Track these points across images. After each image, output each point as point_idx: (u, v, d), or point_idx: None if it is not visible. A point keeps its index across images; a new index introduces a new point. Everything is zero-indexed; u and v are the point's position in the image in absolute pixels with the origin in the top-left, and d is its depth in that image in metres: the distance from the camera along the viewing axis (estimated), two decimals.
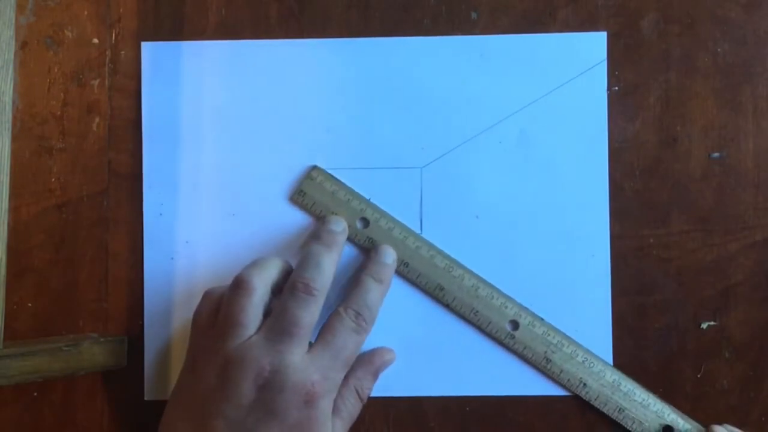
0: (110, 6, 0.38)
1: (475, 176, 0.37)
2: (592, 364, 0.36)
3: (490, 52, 0.38)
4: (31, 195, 0.38)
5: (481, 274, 0.37)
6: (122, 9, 0.38)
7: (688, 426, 0.36)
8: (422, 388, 0.37)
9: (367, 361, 0.36)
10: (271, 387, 0.31)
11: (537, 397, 0.37)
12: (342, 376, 0.33)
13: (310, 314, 0.32)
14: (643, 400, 0.36)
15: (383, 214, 0.37)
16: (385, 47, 0.38)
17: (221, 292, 0.34)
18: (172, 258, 0.38)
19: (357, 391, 0.35)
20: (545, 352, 0.36)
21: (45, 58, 0.38)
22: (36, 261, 0.38)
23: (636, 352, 0.37)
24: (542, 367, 0.37)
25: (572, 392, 0.37)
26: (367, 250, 0.37)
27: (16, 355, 0.33)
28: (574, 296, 0.37)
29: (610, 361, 0.37)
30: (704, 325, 0.37)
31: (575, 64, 0.37)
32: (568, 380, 0.36)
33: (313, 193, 0.37)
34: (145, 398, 0.37)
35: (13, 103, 0.36)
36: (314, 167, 0.38)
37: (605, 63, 0.37)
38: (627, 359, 0.37)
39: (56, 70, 0.38)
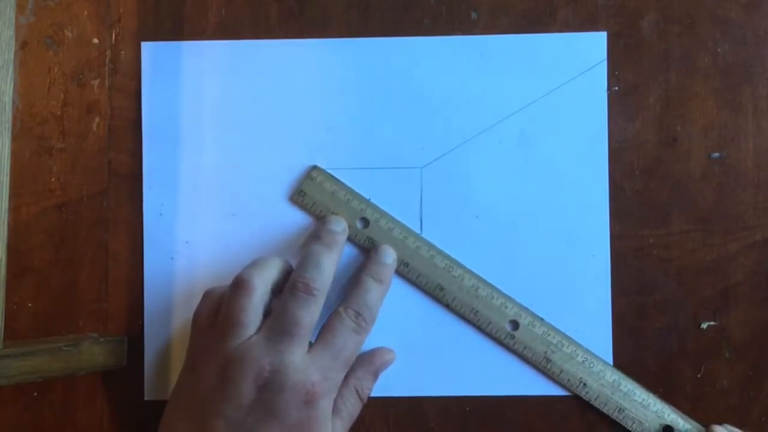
0: (110, 6, 0.38)
1: (475, 176, 0.37)
2: (592, 364, 0.36)
3: (490, 52, 0.38)
4: (31, 195, 0.38)
5: (481, 274, 0.37)
6: (122, 9, 0.38)
7: (688, 426, 0.36)
8: (422, 388, 0.37)
9: (367, 361, 0.36)
10: (271, 387, 0.31)
11: (537, 397, 0.37)
12: (342, 376, 0.33)
13: (310, 314, 0.32)
14: (643, 400, 0.36)
15: (383, 214, 0.37)
16: (385, 47, 0.38)
17: (221, 292, 0.34)
18: (172, 258, 0.38)
19: (357, 391, 0.35)
20: (545, 352, 0.36)
21: (45, 58, 0.38)
22: (36, 261, 0.38)
23: (636, 352, 0.37)
24: (542, 367, 0.37)
25: (572, 392, 0.37)
26: (367, 250, 0.37)
27: (16, 355, 0.33)
28: (574, 296, 0.37)
29: (610, 361, 0.37)
30: (704, 325, 0.37)
31: (575, 64, 0.37)
32: (568, 380, 0.36)
33: (313, 193, 0.37)
34: (145, 398, 0.37)
35: (13, 103, 0.36)
36: (314, 167, 0.38)
37: (605, 63, 0.37)
38: (627, 359, 0.37)
39: (56, 70, 0.38)
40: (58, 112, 0.38)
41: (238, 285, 0.33)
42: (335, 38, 0.38)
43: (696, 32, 0.38)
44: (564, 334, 0.37)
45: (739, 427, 0.36)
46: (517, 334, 0.37)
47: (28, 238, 0.38)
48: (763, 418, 0.37)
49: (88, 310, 0.38)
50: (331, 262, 0.34)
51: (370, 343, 0.36)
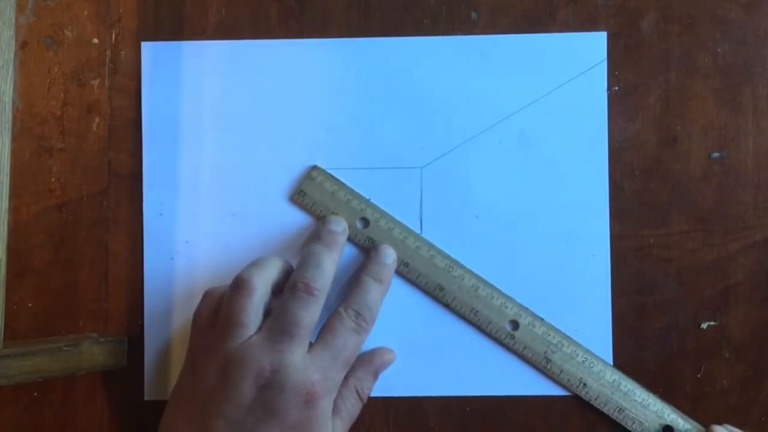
0: (110, 6, 0.38)
1: (475, 176, 0.37)
2: (592, 364, 0.36)
3: (490, 52, 0.38)
4: (31, 195, 0.38)
5: (481, 274, 0.37)
6: (122, 9, 0.38)
7: (688, 426, 0.36)
8: (422, 388, 0.37)
9: (367, 361, 0.36)
10: (271, 387, 0.31)
11: (537, 397, 0.37)
12: (342, 376, 0.33)
13: (310, 314, 0.32)
14: (643, 400, 0.36)
15: (383, 214, 0.37)
16: (385, 47, 0.38)
17: (221, 291, 0.34)
18: (172, 258, 0.38)
19: (357, 391, 0.35)
20: (545, 352, 0.36)
21: (45, 58, 0.38)
22: (36, 261, 0.38)
23: (636, 352, 0.37)
24: (542, 367, 0.37)
25: (572, 392, 0.37)
26: (367, 250, 0.37)
27: (16, 355, 0.33)
28: (574, 296, 0.37)
29: (610, 361, 0.37)
30: (704, 325, 0.37)
31: (575, 64, 0.37)
32: (568, 380, 0.36)
33: (313, 193, 0.37)
34: (145, 398, 0.37)
35: (13, 103, 0.36)
36: (314, 167, 0.38)
37: (605, 63, 0.37)
38: (627, 359, 0.37)
39: (56, 70, 0.38)
40: (58, 112, 0.38)
41: (239, 285, 0.33)
42: (335, 38, 0.38)
43: (696, 32, 0.38)
44: (564, 334, 0.37)
45: (739, 427, 0.36)
46: (517, 334, 0.37)
47: (28, 238, 0.38)
48: (763, 418, 0.37)
49: (88, 310, 0.38)
50: (331, 262, 0.34)
51: (370, 343, 0.36)
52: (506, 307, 0.37)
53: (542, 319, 0.37)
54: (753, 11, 0.37)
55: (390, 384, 0.37)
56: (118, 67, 0.38)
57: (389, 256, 0.36)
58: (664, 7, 0.38)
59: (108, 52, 0.38)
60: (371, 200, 0.37)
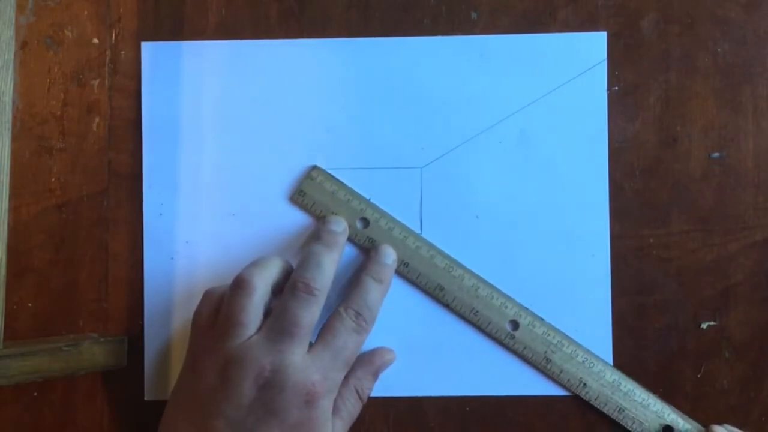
0: (110, 6, 0.38)
1: (475, 176, 0.37)
2: (592, 364, 0.36)
3: (490, 52, 0.38)
4: (31, 195, 0.38)
5: (481, 274, 0.37)
6: (122, 9, 0.38)
7: (688, 426, 0.36)
8: (422, 388, 0.37)
9: (367, 361, 0.36)
10: (271, 387, 0.31)
11: (537, 397, 0.37)
12: (342, 376, 0.33)
13: (310, 314, 0.32)
14: (643, 400, 0.36)
15: (383, 214, 0.37)
16: (385, 47, 0.38)
17: (221, 291, 0.34)
18: (172, 258, 0.38)
19: (357, 391, 0.35)
20: (545, 352, 0.36)
21: (45, 58, 0.38)
22: (36, 261, 0.38)
23: (636, 352, 0.37)
24: (542, 367, 0.37)
25: (572, 392, 0.37)
26: (367, 250, 0.37)
27: (16, 355, 0.33)
28: (574, 296, 0.37)
29: (610, 361, 0.37)
30: (704, 325, 0.37)
31: (575, 64, 0.37)
32: (568, 380, 0.36)
33: (313, 193, 0.37)
34: (145, 398, 0.37)
35: (13, 103, 0.36)
36: (314, 167, 0.38)
37: (605, 63, 0.37)
38: (627, 359, 0.37)
39: (56, 70, 0.38)
40: (58, 112, 0.38)
41: (239, 285, 0.33)
42: (335, 38, 0.38)
43: (696, 32, 0.38)
44: (564, 334, 0.37)
45: (739, 427, 0.36)
46: (517, 334, 0.37)
47: (28, 238, 0.38)
48: (763, 418, 0.37)
49: (88, 310, 0.38)
50: (331, 262, 0.34)
51: (370, 343, 0.36)
52: (506, 307, 0.37)
53: (542, 319, 0.37)
54: (753, 11, 0.37)
55: (390, 384, 0.37)
56: (118, 67, 0.38)
57: (389, 256, 0.36)
58: (664, 7, 0.38)
59: (108, 52, 0.38)
60: (371, 200, 0.37)
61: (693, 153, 0.37)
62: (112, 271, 0.38)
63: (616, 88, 0.38)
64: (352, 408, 0.35)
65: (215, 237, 0.38)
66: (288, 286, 0.33)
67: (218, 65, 0.38)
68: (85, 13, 0.38)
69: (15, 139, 0.37)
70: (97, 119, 0.38)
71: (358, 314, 0.34)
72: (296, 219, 0.38)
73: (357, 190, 0.37)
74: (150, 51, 0.38)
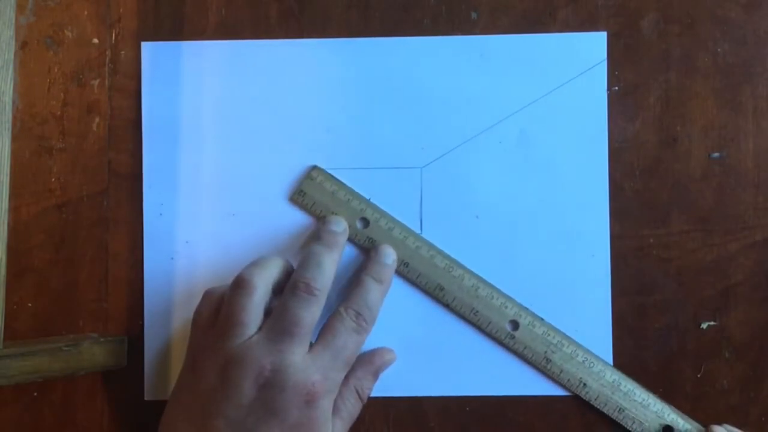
0: (110, 6, 0.38)
1: (475, 176, 0.37)
2: (592, 364, 0.36)
3: (490, 52, 0.38)
4: (31, 195, 0.38)
5: (481, 274, 0.37)
6: (122, 9, 0.38)
7: (688, 426, 0.36)
8: (422, 388, 0.37)
9: (368, 361, 0.36)
10: (271, 386, 0.31)
11: (537, 397, 0.37)
12: (342, 376, 0.33)
13: (311, 314, 0.32)
14: (643, 400, 0.36)
15: (383, 214, 0.37)
16: (385, 47, 0.38)
17: (222, 291, 0.34)
18: (172, 258, 0.38)
19: (357, 391, 0.35)
20: (545, 352, 0.36)
21: (45, 58, 0.38)
22: (36, 261, 0.38)
23: (636, 352, 0.37)
24: (542, 367, 0.37)
25: (572, 392, 0.37)
26: (367, 250, 0.37)
27: (16, 355, 0.33)
28: (574, 296, 0.37)
29: (610, 361, 0.37)
30: (704, 325, 0.37)
31: (575, 64, 0.37)
32: (568, 380, 0.36)
33: (313, 193, 0.37)
34: (145, 398, 0.37)
35: (13, 103, 0.36)
36: (314, 167, 0.38)
37: (605, 63, 0.37)
38: (627, 359, 0.37)
39: (56, 70, 0.38)
40: (58, 112, 0.38)
41: (239, 284, 0.33)
42: (335, 38, 0.38)
43: (696, 32, 0.38)
44: (564, 334, 0.37)
45: (739, 427, 0.36)
46: (517, 334, 0.37)
47: (28, 238, 0.37)
48: (763, 418, 0.37)
49: (88, 310, 0.38)
50: (331, 262, 0.34)
51: (370, 343, 0.36)
52: (506, 307, 0.37)
53: (542, 319, 0.37)
54: (753, 11, 0.37)
55: (390, 384, 0.37)
56: (118, 67, 0.38)
57: (389, 256, 0.36)
58: (664, 7, 0.38)
59: (108, 52, 0.38)
60: (371, 200, 0.37)
61: (693, 153, 0.37)
62: (112, 271, 0.38)
63: (616, 88, 0.38)
64: (352, 408, 0.35)
65: (215, 237, 0.38)
66: (288, 286, 0.33)
67: (218, 65, 0.38)
68: (85, 13, 0.38)
69: (15, 139, 0.37)
70: (97, 119, 0.38)
71: (358, 314, 0.34)
72: (296, 219, 0.38)
73: (357, 190, 0.37)
74: (150, 51, 0.38)
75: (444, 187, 0.37)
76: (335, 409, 0.33)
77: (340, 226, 0.36)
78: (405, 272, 0.37)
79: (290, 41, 0.38)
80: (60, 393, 0.37)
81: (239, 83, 0.38)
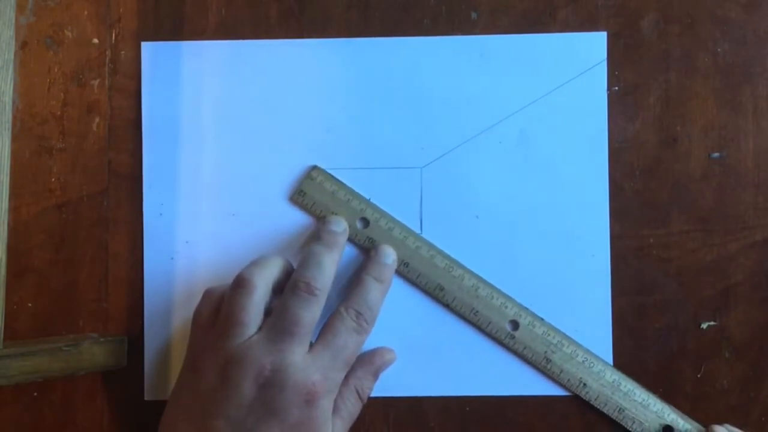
0: (110, 6, 0.38)
1: (475, 176, 0.37)
2: (592, 364, 0.36)
3: (490, 52, 0.38)
4: (31, 195, 0.38)
5: (481, 274, 0.37)
6: (122, 9, 0.38)
7: (688, 426, 0.36)
8: (422, 388, 0.37)
9: (368, 361, 0.36)
10: (271, 386, 0.31)
11: (537, 397, 0.37)
12: (342, 375, 0.33)
13: (311, 313, 0.32)
14: (643, 400, 0.36)
15: (383, 214, 0.37)
16: (385, 47, 0.38)
17: (222, 291, 0.34)
18: (172, 258, 0.38)
19: (357, 391, 0.35)
20: (545, 352, 0.36)
21: (45, 58, 0.38)
22: (36, 261, 0.38)
23: (636, 352, 0.37)
24: (542, 367, 0.37)
25: (572, 392, 0.37)
26: (367, 250, 0.37)
27: (16, 355, 0.33)
28: (574, 296, 0.37)
29: (610, 361, 0.37)
30: (704, 325, 0.37)
31: (575, 64, 0.37)
32: (568, 380, 0.36)
33: (313, 193, 0.37)
34: (145, 398, 0.37)
35: (13, 103, 0.36)
36: (314, 167, 0.38)
37: (605, 63, 0.37)
38: (627, 359, 0.37)
39: (56, 70, 0.38)
40: (58, 112, 0.38)
41: (239, 284, 0.33)
42: (335, 38, 0.38)
43: (696, 32, 0.38)
44: (564, 334, 0.37)
45: (739, 427, 0.36)
46: (517, 334, 0.37)
47: (28, 238, 0.37)
48: (763, 418, 0.37)
49: (88, 310, 0.38)
50: (332, 262, 0.34)
51: (370, 343, 0.36)
52: (506, 307, 0.37)
53: (542, 319, 0.37)
54: (753, 11, 0.37)
55: (390, 384, 0.37)
56: (118, 67, 0.38)
57: (389, 256, 0.36)
58: (664, 7, 0.38)
59: (108, 52, 0.38)
60: (371, 200, 0.37)
61: (693, 153, 0.37)
62: (112, 271, 0.38)
63: (616, 88, 0.38)
64: (352, 408, 0.35)
65: (215, 237, 0.38)
66: (289, 286, 0.33)
67: (218, 65, 0.38)
68: (85, 13, 0.38)
69: (15, 139, 0.37)
70: (97, 119, 0.38)
71: (358, 314, 0.34)
72: (296, 219, 0.38)
73: (357, 190, 0.37)
74: (150, 51, 0.38)
75: (444, 187, 0.37)
76: (335, 409, 0.33)
77: (340, 226, 0.36)
78: (405, 272, 0.37)
79: (290, 41, 0.38)
80: (60, 393, 0.37)
81: (239, 83, 0.38)
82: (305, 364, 0.32)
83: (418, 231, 0.37)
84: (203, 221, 0.38)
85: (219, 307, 0.33)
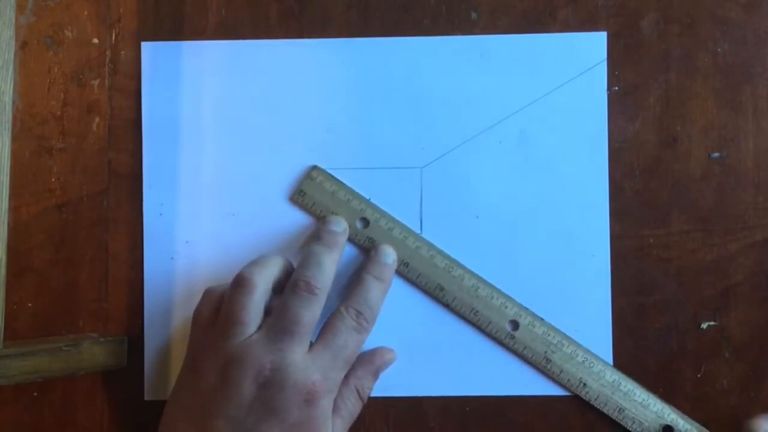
0: (110, 6, 0.38)
1: (475, 176, 0.37)
2: (592, 364, 0.36)
3: (490, 52, 0.38)
4: (31, 195, 0.38)
5: (481, 274, 0.37)
6: (122, 9, 0.38)
7: (688, 426, 0.36)
8: (422, 388, 0.37)
9: (368, 361, 0.36)
10: (271, 385, 0.31)
11: (537, 397, 0.37)
12: (342, 375, 0.33)
13: (311, 313, 0.32)
14: (643, 400, 0.36)
15: (383, 214, 0.37)
16: (385, 47, 0.38)
17: (222, 290, 0.34)
18: (172, 258, 0.38)
19: (357, 391, 0.35)
20: (545, 352, 0.36)
21: (45, 58, 0.38)
22: (36, 261, 0.38)
23: (636, 352, 0.37)
24: (542, 367, 0.37)
25: (572, 392, 0.37)
26: (367, 250, 0.37)
27: (16, 355, 0.33)
28: (574, 296, 0.37)
29: (610, 361, 0.37)
30: (704, 325, 0.37)
31: (575, 64, 0.37)
32: (568, 380, 0.36)
33: (313, 193, 0.37)
34: (145, 398, 0.37)
35: (13, 103, 0.36)
36: (314, 167, 0.38)
37: (605, 63, 0.37)
38: (627, 359, 0.37)
39: (56, 70, 0.38)
40: (58, 112, 0.38)
41: (239, 283, 0.33)
42: (335, 38, 0.38)
43: (696, 32, 0.38)
44: (564, 334, 0.37)
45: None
46: (517, 334, 0.37)
47: (28, 238, 0.37)
48: None
49: (88, 310, 0.38)
50: (332, 262, 0.34)
51: (370, 343, 0.36)
52: (506, 307, 0.37)
53: (542, 319, 0.37)
54: (753, 11, 0.37)
55: (390, 384, 0.37)
56: (118, 67, 0.38)
57: (389, 255, 0.36)
58: (664, 7, 0.38)
59: (108, 52, 0.38)
60: (371, 200, 0.37)
61: (693, 153, 0.37)
62: (112, 271, 0.38)
63: (616, 88, 0.38)
64: (352, 407, 0.35)
65: (215, 237, 0.38)
66: (289, 285, 0.33)
67: (218, 65, 0.38)
68: (85, 13, 0.38)
69: (15, 139, 0.37)
70: (97, 119, 0.38)
71: (358, 313, 0.34)
72: (296, 219, 0.38)
73: (357, 190, 0.37)
74: (150, 51, 0.38)
75: (444, 187, 0.37)
76: (335, 409, 0.33)
77: (340, 226, 0.36)
78: (405, 272, 0.37)
79: (290, 41, 0.38)
80: (60, 393, 0.37)
81: (239, 83, 0.38)
82: (305, 363, 0.32)
83: (418, 231, 0.37)
84: (203, 221, 0.38)
85: (219, 307, 0.34)
